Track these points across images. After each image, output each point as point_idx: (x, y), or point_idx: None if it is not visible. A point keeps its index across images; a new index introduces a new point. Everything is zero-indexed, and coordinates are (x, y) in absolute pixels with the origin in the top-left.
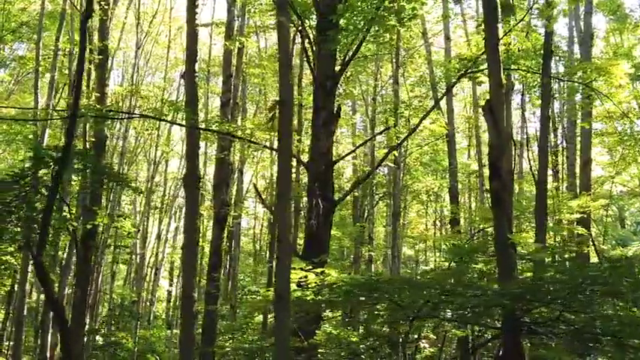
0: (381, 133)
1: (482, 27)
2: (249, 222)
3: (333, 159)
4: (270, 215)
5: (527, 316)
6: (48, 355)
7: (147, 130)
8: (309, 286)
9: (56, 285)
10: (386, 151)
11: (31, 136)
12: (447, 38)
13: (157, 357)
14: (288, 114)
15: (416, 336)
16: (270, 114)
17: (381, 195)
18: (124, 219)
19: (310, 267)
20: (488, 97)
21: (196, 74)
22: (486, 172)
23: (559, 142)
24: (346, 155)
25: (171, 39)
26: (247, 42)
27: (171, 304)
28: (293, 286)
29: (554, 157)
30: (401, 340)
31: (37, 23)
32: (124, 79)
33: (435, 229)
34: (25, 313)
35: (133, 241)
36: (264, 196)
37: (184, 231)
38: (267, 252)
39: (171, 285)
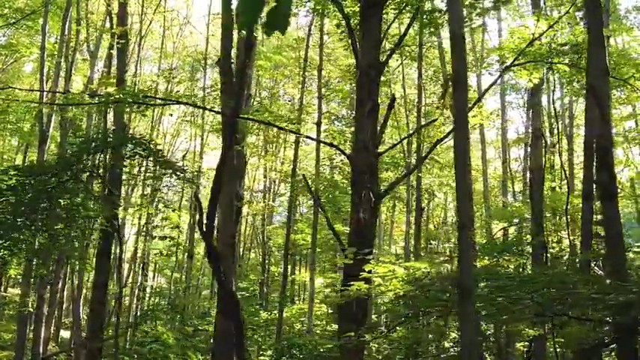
0: (428, 124)
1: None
2: None
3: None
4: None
5: None
6: (41, 349)
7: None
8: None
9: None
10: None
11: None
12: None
13: (200, 356)
14: (464, 91)
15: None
16: (443, 91)
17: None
18: (172, 211)
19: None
20: (591, 85)
21: (232, 61)
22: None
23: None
24: (392, 147)
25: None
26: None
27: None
28: (379, 280)
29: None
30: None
31: (30, 10)
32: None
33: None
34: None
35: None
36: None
37: (222, 223)
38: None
39: (146, 281)
